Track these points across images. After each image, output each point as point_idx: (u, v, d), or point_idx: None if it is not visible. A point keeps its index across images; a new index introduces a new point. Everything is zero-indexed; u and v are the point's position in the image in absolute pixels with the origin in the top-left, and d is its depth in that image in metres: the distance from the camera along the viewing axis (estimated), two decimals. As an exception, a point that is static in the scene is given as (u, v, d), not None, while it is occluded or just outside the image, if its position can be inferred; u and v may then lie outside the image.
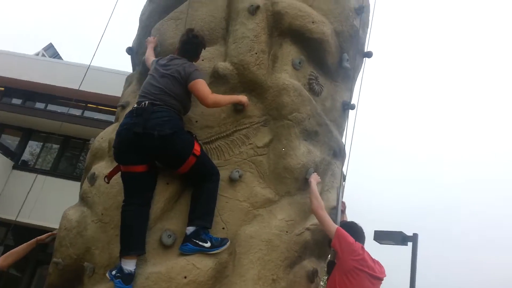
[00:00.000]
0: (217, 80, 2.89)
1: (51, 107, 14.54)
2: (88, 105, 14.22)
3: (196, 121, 2.85)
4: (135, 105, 2.61)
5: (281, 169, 2.77)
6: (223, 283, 2.46)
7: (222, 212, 2.64)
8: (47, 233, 3.35)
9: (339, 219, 2.82)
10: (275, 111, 2.87)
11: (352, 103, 3.36)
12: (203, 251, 2.44)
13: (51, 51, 18.38)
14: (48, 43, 18.64)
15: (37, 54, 17.64)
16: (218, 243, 2.48)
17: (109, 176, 2.70)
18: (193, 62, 2.81)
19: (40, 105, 14.59)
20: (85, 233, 2.78)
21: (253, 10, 2.94)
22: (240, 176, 2.70)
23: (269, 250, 2.54)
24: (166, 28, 3.27)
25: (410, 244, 9.16)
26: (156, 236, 2.55)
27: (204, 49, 2.89)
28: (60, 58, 18.48)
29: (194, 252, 2.45)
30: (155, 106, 2.53)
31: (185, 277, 2.35)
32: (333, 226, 2.60)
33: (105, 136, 3.30)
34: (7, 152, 12.86)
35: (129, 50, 3.71)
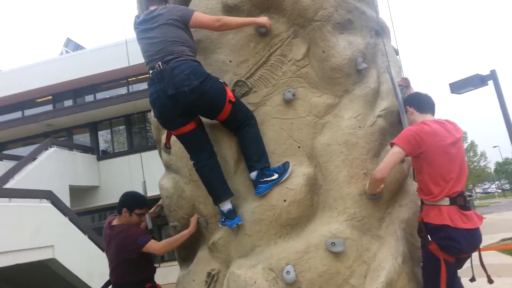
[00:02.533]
0: (231, 13, 2.81)
1: (99, 95, 15.30)
2: (130, 79, 14.69)
3: (230, 61, 2.86)
4: (150, 71, 2.59)
5: (329, 71, 2.72)
6: (319, 193, 2.61)
7: (292, 133, 2.72)
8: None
9: (399, 94, 2.70)
10: (299, 18, 2.74)
11: None
12: (275, 183, 2.54)
13: (72, 46, 18.71)
14: (66, 38, 18.92)
15: (61, 53, 18.14)
16: (282, 169, 2.57)
17: (167, 142, 2.86)
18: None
19: (89, 98, 15.38)
20: (184, 195, 3.06)
21: None
22: (293, 95, 2.72)
23: (350, 150, 2.60)
24: None
25: (490, 83, 8.67)
26: (243, 176, 2.74)
27: None
28: (83, 48, 18.81)
29: (269, 189, 2.54)
30: (170, 63, 2.50)
31: (285, 200, 2.53)
32: (395, 151, 2.34)
33: None
34: (87, 149, 14.06)
35: (137, 18, 3.68)
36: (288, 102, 2.74)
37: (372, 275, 2.34)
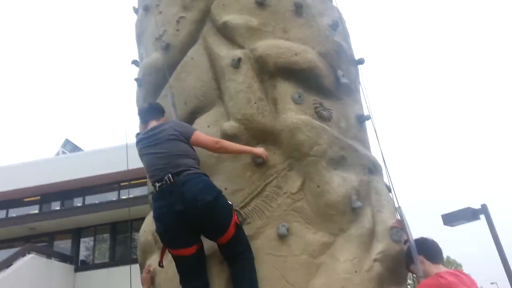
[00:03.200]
0: (229, 140, 2.83)
1: (88, 199, 15.04)
2: (121, 184, 14.63)
3: (226, 188, 2.80)
4: (157, 184, 2.51)
5: (324, 207, 2.65)
6: None
7: (285, 272, 2.51)
8: None
9: (411, 236, 2.60)
10: (295, 152, 2.79)
11: (365, 114, 3.24)
12: None
13: (69, 146, 19.06)
14: (64, 139, 19.33)
15: (57, 154, 18.35)
16: None
17: (161, 260, 2.66)
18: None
19: (78, 200, 15.11)
20: None
21: (236, 63, 2.92)
22: (288, 230, 2.60)
23: None
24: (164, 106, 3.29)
25: (482, 217, 8.75)
26: None
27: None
28: (80, 149, 19.13)
29: None
30: (180, 176, 2.45)
31: None
32: None
33: (147, 229, 3.28)
34: (65, 258, 13.27)
35: (138, 135, 3.75)
36: (282, 238, 2.60)
37: None
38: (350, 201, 2.68)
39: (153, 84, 3.48)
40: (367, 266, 2.53)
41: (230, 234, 2.45)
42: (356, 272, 2.48)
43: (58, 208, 15.13)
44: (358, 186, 2.81)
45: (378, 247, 2.63)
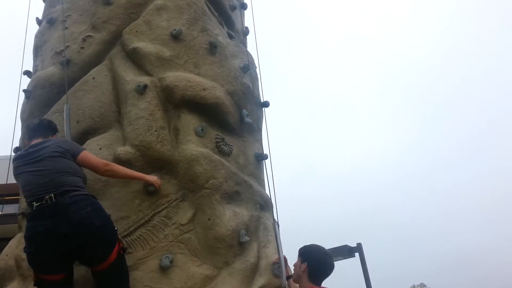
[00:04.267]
0: (122, 165, 2.70)
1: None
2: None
3: (109, 214, 2.64)
4: (35, 203, 2.25)
5: (212, 240, 2.64)
6: None
7: None
8: None
9: (281, 253, 2.77)
10: (190, 183, 2.77)
11: (264, 153, 3.41)
12: None
13: None
14: None
15: None
16: None
17: (36, 282, 2.32)
18: None
19: None
20: None
21: (141, 90, 2.89)
22: (171, 261, 2.51)
23: None
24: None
25: (357, 254, 9.43)
26: None
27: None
28: None
29: None
30: (65, 196, 2.24)
31: None
32: None
33: (10, 253, 2.92)
34: None
35: (17, 150, 3.34)
36: (164, 269, 2.50)
37: None
38: (239, 235, 2.72)
39: (45, 98, 3.25)
40: None
41: (110, 261, 2.28)
42: None
43: None
44: (248, 221, 2.87)
45: (260, 281, 2.68)
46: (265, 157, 3.35)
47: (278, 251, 2.85)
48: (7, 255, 2.87)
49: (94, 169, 2.55)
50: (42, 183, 2.30)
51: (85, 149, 2.62)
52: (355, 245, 9.52)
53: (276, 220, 3.19)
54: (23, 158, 2.47)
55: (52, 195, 2.24)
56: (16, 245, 2.80)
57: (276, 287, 2.71)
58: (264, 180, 3.40)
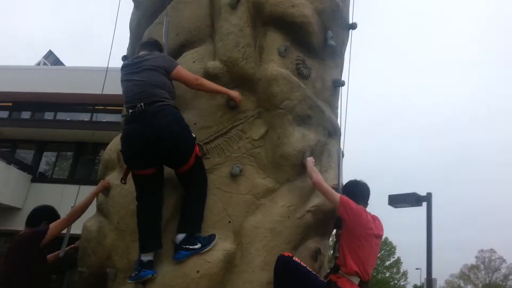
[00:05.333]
0: (210, 79, 2.93)
1: (60, 115, 14.81)
2: (96, 107, 14.41)
3: (195, 123, 2.94)
4: (130, 110, 2.64)
5: (278, 157, 2.86)
6: (232, 272, 2.63)
7: (228, 206, 2.76)
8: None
9: (341, 179, 2.97)
10: (267, 102, 2.94)
11: (342, 79, 3.38)
12: (196, 253, 2.55)
13: (51, 59, 18.52)
14: (48, 50, 18.76)
15: (39, 64, 17.80)
16: (207, 241, 2.62)
17: (124, 178, 2.80)
18: None
19: (49, 115, 14.84)
20: (105, 242, 2.94)
21: (234, 4, 2.96)
22: (240, 171, 2.80)
23: (273, 237, 2.70)
24: (156, 34, 3.31)
25: (424, 204, 9.28)
26: (167, 238, 2.69)
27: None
28: (61, 64, 18.58)
29: (188, 257, 2.54)
30: (152, 106, 2.56)
31: (198, 272, 2.51)
32: (337, 195, 2.72)
33: (113, 148, 3.40)
34: (24, 167, 13.21)
35: (124, 58, 3.71)
36: (234, 177, 2.81)
37: None
38: (303, 156, 2.89)
39: (150, 8, 3.48)
40: (300, 214, 2.80)
41: (190, 165, 2.62)
42: (288, 217, 2.75)
43: (28, 117, 14.87)
44: (314, 145, 3.02)
45: (315, 201, 2.88)
46: (343, 83, 3.34)
47: (338, 178, 2.98)
48: (110, 149, 3.36)
49: (186, 82, 2.81)
50: (137, 93, 2.64)
51: (179, 64, 2.84)
52: (425, 194, 9.32)
53: (342, 149, 3.28)
54: (128, 68, 2.80)
55: (143, 104, 2.57)
56: (118, 142, 3.21)
57: (328, 209, 2.88)
58: (337, 107, 3.42)
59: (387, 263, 48.86)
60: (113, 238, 2.92)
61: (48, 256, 3.26)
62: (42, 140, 13.73)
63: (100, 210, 3.18)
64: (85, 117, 14.51)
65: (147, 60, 2.73)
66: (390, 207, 9.71)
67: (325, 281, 2.65)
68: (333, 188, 2.92)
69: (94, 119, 14.19)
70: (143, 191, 2.71)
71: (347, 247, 2.63)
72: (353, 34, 3.54)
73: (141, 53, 2.89)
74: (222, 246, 2.63)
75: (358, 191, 2.88)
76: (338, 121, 3.41)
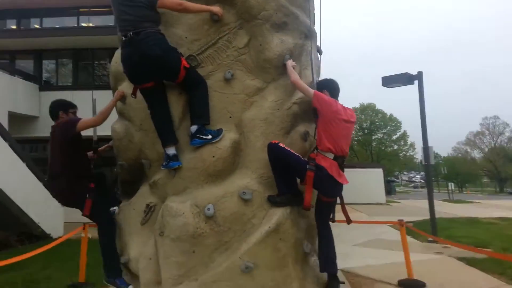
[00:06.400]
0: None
1: (47, 21, 14.61)
2: (80, 10, 14.16)
3: (186, 37, 3.43)
4: (123, 37, 3.17)
5: (262, 61, 3.42)
6: (240, 155, 3.36)
7: (226, 105, 3.42)
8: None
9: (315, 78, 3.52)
10: (246, 14, 3.38)
11: None
12: (207, 142, 3.22)
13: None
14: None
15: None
16: (216, 133, 3.26)
17: (134, 93, 3.45)
18: None
19: (35, 21, 14.66)
20: (134, 140, 3.65)
21: None
22: (232, 75, 3.39)
23: (268, 125, 3.36)
24: None
25: (416, 82, 9.94)
26: (184, 132, 3.38)
27: None
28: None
29: (201, 144, 3.21)
30: (139, 34, 3.08)
31: (213, 156, 3.23)
32: (311, 91, 3.29)
33: (119, 60, 3.74)
34: (29, 77, 13.61)
35: None
36: (227, 81, 3.42)
37: (267, 218, 3.21)
38: (283, 59, 3.45)
39: None
40: (287, 106, 3.45)
41: (182, 76, 3.22)
42: (278, 109, 3.42)
43: (15, 27, 14.69)
44: (292, 48, 3.54)
45: (299, 94, 3.49)
46: None
47: (312, 75, 3.56)
48: (116, 62, 3.84)
49: (171, 8, 3.27)
50: (127, 24, 3.16)
51: None
52: (416, 73, 9.88)
53: (320, 46, 3.83)
54: (121, 1, 3.21)
55: (131, 33, 3.12)
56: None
57: (310, 99, 3.42)
58: (311, 11, 3.86)
59: (394, 137, 51.80)
60: (139, 137, 3.61)
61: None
62: (38, 49, 13.86)
63: (122, 114, 3.82)
64: (72, 21, 14.33)
65: None
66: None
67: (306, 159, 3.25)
68: (312, 82, 3.54)
69: (80, 23, 14.05)
70: (151, 100, 3.36)
71: (322, 130, 3.22)
72: None
73: None
74: (228, 136, 3.30)
75: (330, 87, 3.48)
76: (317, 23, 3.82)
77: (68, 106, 3.95)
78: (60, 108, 3.91)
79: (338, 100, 3.46)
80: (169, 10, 3.30)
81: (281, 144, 3.20)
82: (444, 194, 37.85)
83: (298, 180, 3.34)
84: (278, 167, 3.20)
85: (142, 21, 3.14)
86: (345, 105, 3.44)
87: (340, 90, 3.56)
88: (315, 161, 3.20)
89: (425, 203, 11.55)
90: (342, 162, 3.27)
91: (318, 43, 3.98)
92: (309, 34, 3.81)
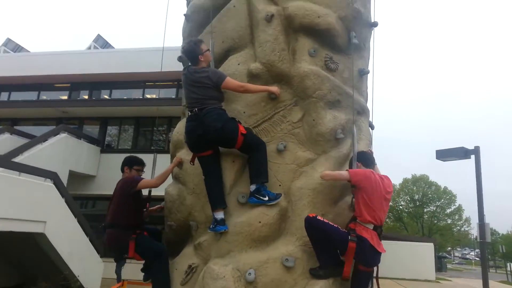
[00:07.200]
0: (253, 78, 3.71)
1: (115, 93, 16.23)
2: (147, 83, 15.67)
3: (244, 112, 3.74)
4: (189, 112, 3.55)
5: (314, 135, 3.61)
6: (286, 222, 3.45)
7: (277, 174, 3.57)
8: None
9: (355, 150, 3.56)
10: (302, 93, 3.67)
11: (367, 69, 4.03)
12: (263, 203, 3.35)
13: (100, 42, 19.69)
14: (96, 35, 19.97)
15: (89, 48, 19.14)
16: (274, 197, 3.40)
17: (192, 161, 3.74)
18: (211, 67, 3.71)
19: (105, 93, 16.32)
20: (185, 202, 3.83)
21: (269, 18, 3.67)
22: (284, 147, 3.59)
23: (316, 195, 3.44)
24: (205, 41, 3.99)
25: (473, 157, 9.69)
26: (234, 198, 3.55)
27: (198, 46, 3.63)
28: (111, 47, 19.83)
29: (258, 203, 3.35)
30: (203, 110, 3.43)
31: (260, 222, 3.32)
32: (344, 173, 3.36)
33: (180, 130, 4.13)
34: (92, 140, 14.88)
35: (180, 59, 4.44)
36: (279, 151, 3.61)
37: (309, 287, 3.17)
38: (335, 133, 3.64)
39: (199, 21, 4.25)
40: None
41: (240, 142, 3.48)
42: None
43: (86, 97, 16.44)
44: (345, 123, 3.73)
45: (348, 166, 3.60)
46: (367, 72, 3.99)
47: (353, 149, 3.59)
48: (178, 132, 4.16)
49: (234, 90, 3.63)
50: (194, 102, 3.55)
51: (227, 76, 3.54)
52: (473, 147, 9.73)
53: (372, 123, 4.00)
54: (189, 77, 3.62)
55: (197, 109, 3.49)
56: (183, 126, 3.89)
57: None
58: (364, 90, 4.11)
59: (448, 210, 48.60)
60: (191, 200, 3.79)
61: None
62: (104, 117, 15.30)
63: (177, 179, 4.05)
64: (138, 93, 15.82)
65: (203, 78, 3.48)
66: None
67: (345, 230, 3.26)
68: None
69: (145, 95, 15.50)
70: (207, 167, 3.60)
71: (362, 202, 3.25)
72: (377, 29, 4.14)
73: (193, 66, 3.60)
74: (277, 204, 3.41)
75: (366, 158, 3.58)
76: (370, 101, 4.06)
77: (134, 163, 4.34)
78: (125, 164, 4.32)
79: (374, 170, 3.53)
80: (232, 90, 3.64)
81: (319, 217, 3.24)
82: (502, 275, 35.11)
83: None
84: (318, 239, 3.23)
85: (207, 99, 3.51)
86: (387, 175, 3.51)
87: (375, 160, 3.65)
88: (356, 232, 3.22)
89: (479, 283, 10.57)
90: (381, 231, 3.30)
91: (370, 119, 4.15)
92: (362, 111, 4.00)
